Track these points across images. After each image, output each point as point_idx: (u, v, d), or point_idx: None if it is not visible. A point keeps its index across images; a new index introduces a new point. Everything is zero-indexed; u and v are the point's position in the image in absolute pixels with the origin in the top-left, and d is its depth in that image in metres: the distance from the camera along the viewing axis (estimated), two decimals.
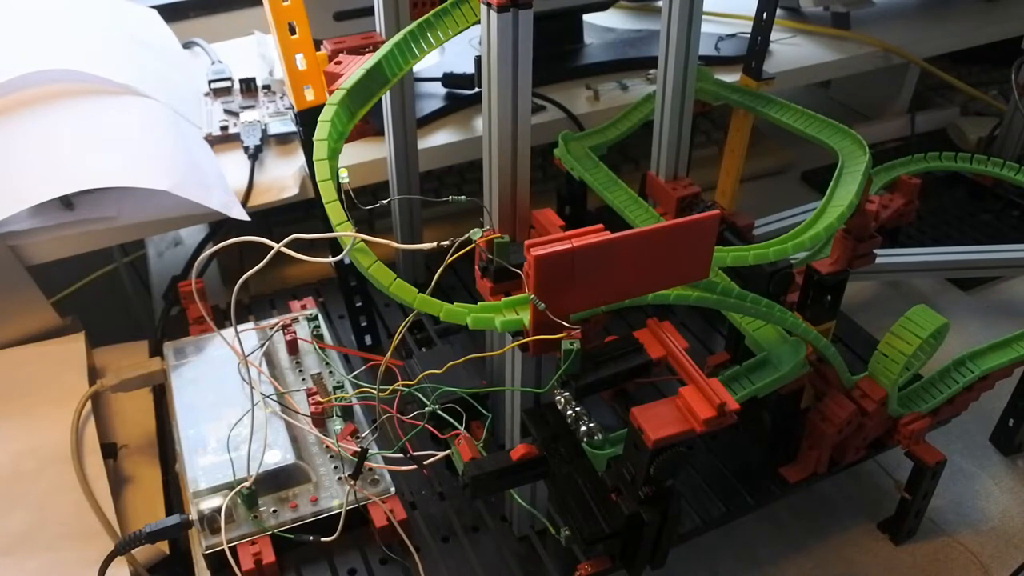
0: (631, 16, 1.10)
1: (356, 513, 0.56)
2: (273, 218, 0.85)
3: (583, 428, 0.44)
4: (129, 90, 0.75)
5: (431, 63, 0.91)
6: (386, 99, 0.68)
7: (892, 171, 0.80)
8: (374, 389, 0.48)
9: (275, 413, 0.59)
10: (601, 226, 0.41)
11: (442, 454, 0.52)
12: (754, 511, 0.61)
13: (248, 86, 0.87)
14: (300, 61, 0.60)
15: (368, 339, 0.73)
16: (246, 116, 0.82)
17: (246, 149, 0.78)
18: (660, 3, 0.84)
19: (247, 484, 0.54)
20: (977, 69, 1.20)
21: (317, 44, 0.61)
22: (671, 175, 0.69)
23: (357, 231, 0.43)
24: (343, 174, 0.45)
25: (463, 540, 0.58)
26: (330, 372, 0.65)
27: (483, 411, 0.54)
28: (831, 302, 0.60)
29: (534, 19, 0.44)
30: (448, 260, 0.45)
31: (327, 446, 0.59)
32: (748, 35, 0.78)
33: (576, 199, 0.77)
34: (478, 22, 0.47)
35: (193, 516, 0.54)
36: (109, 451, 0.65)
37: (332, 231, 0.44)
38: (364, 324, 0.73)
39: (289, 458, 0.57)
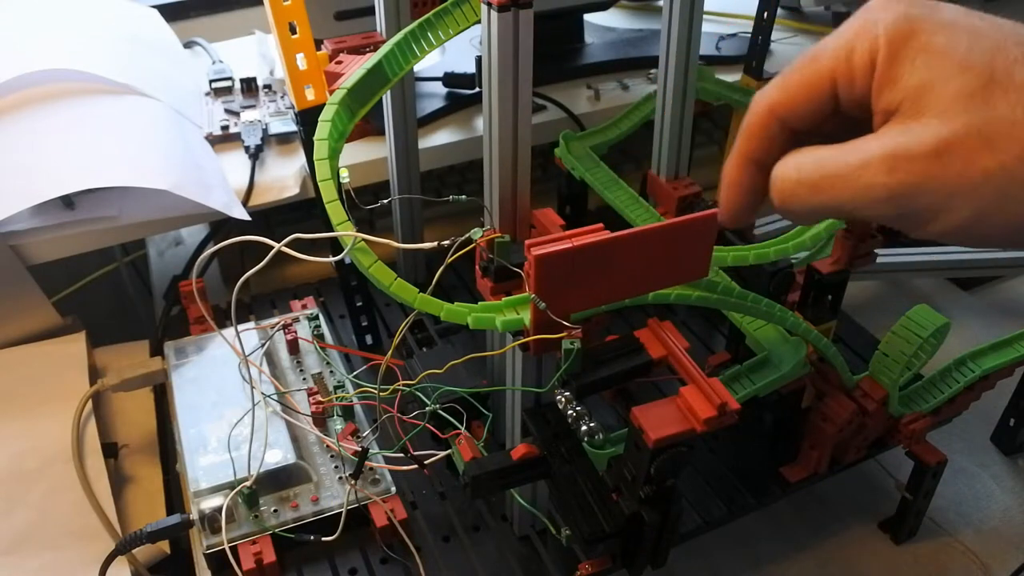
0: (632, 16, 1.10)
1: (357, 513, 0.56)
2: (274, 218, 0.85)
3: (584, 428, 0.44)
4: (130, 89, 0.75)
5: (432, 63, 0.91)
6: (387, 99, 0.68)
7: None
8: (375, 389, 0.48)
9: (276, 413, 0.59)
10: (601, 225, 0.41)
11: (443, 454, 0.52)
12: (755, 511, 0.61)
13: (249, 86, 0.87)
14: (301, 61, 0.60)
15: (369, 339, 0.73)
16: (247, 116, 0.82)
17: (247, 149, 0.78)
18: (661, 3, 0.84)
19: (248, 484, 0.54)
20: None
21: (318, 44, 0.61)
22: (672, 174, 0.69)
23: (358, 231, 0.43)
24: (344, 174, 0.45)
25: (464, 540, 0.58)
26: (331, 372, 0.65)
27: (484, 411, 0.54)
28: (832, 302, 0.60)
29: (535, 18, 0.44)
30: (449, 260, 0.45)
31: (328, 446, 0.59)
32: (749, 35, 0.79)
33: (577, 198, 0.77)
34: (478, 22, 0.47)
35: (194, 515, 0.54)
36: (110, 451, 0.65)
37: (333, 231, 0.43)
38: (365, 324, 0.73)
39: (290, 458, 0.57)
